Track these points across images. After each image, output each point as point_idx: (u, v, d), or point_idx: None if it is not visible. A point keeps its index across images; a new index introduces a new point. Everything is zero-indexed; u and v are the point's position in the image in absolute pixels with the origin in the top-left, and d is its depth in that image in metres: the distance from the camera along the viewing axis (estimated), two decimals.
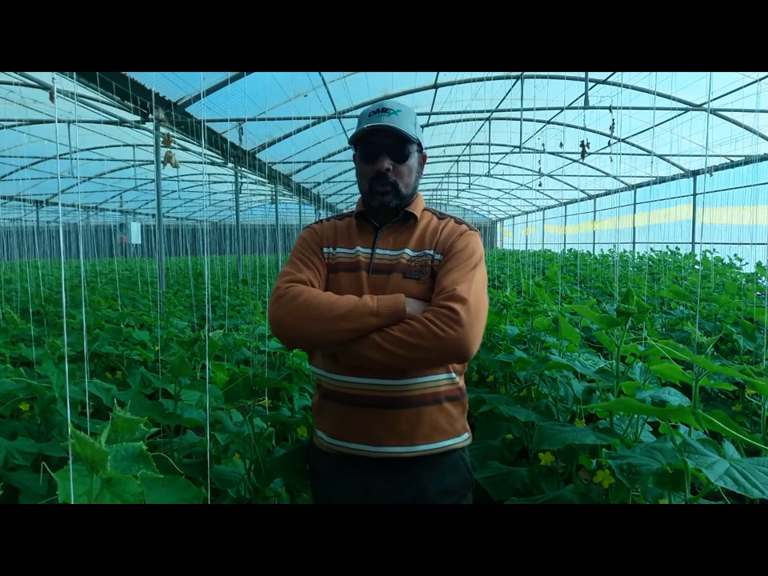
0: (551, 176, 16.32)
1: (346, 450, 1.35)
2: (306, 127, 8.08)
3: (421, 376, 1.32)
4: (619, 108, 7.20)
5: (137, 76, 5.33)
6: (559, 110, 8.99)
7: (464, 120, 9.80)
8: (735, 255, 8.51)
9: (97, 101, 5.94)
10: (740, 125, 8.93)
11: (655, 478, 1.27)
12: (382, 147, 1.35)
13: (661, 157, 11.87)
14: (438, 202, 22.44)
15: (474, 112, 8.95)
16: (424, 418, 1.32)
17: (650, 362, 1.60)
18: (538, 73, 7.71)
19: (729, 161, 10.83)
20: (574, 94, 8.49)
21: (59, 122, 6.88)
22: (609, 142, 10.26)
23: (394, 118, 1.34)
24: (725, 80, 7.49)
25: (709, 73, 6.32)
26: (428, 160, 1.54)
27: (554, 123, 10.49)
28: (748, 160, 10.38)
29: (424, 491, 1.33)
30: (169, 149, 5.46)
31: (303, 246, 1.43)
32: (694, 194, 12.68)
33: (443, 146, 12.67)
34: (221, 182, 15.58)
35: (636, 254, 11.98)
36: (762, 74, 6.92)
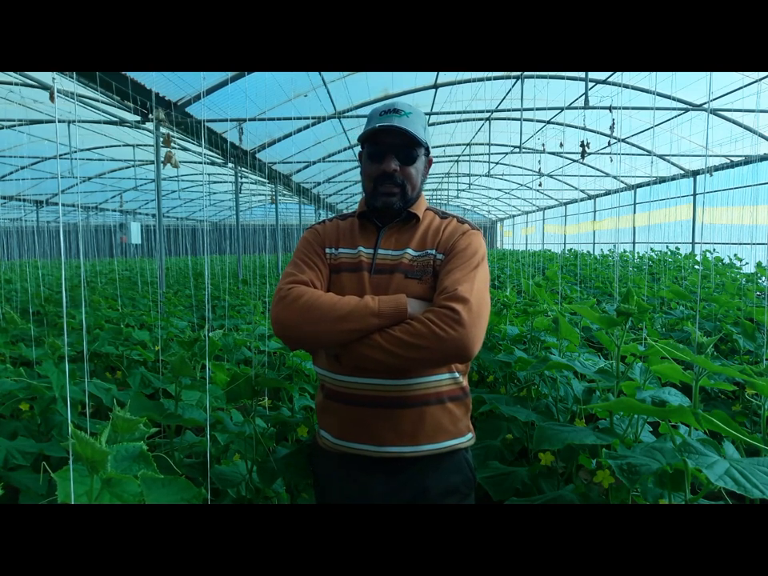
0: (551, 176, 16.32)
1: (349, 449, 1.35)
2: (306, 127, 8.09)
3: (423, 376, 1.32)
4: (619, 108, 7.19)
5: (137, 76, 5.33)
6: (559, 110, 8.99)
7: (464, 120, 9.81)
8: (735, 255, 8.50)
9: (97, 101, 5.94)
10: (740, 125, 8.93)
11: (655, 478, 1.27)
12: (390, 148, 1.35)
13: (661, 157, 11.87)
14: (438, 201, 22.44)
15: (474, 112, 8.96)
16: (427, 418, 1.32)
17: (649, 362, 1.59)
18: (538, 73, 7.71)
19: (729, 161, 10.83)
20: (574, 94, 8.49)
21: (59, 122, 6.88)
22: (609, 142, 10.28)
23: (404, 120, 1.33)
24: (725, 80, 7.49)
25: (709, 73, 6.32)
26: None
27: (553, 123, 10.49)
28: (748, 160, 10.38)
29: (426, 491, 1.33)
30: (169, 149, 5.47)
31: (306, 247, 1.43)
32: (694, 194, 12.68)
33: (443, 145, 12.67)
34: (221, 182, 15.58)
35: (636, 254, 11.98)
36: (762, 74, 6.92)
